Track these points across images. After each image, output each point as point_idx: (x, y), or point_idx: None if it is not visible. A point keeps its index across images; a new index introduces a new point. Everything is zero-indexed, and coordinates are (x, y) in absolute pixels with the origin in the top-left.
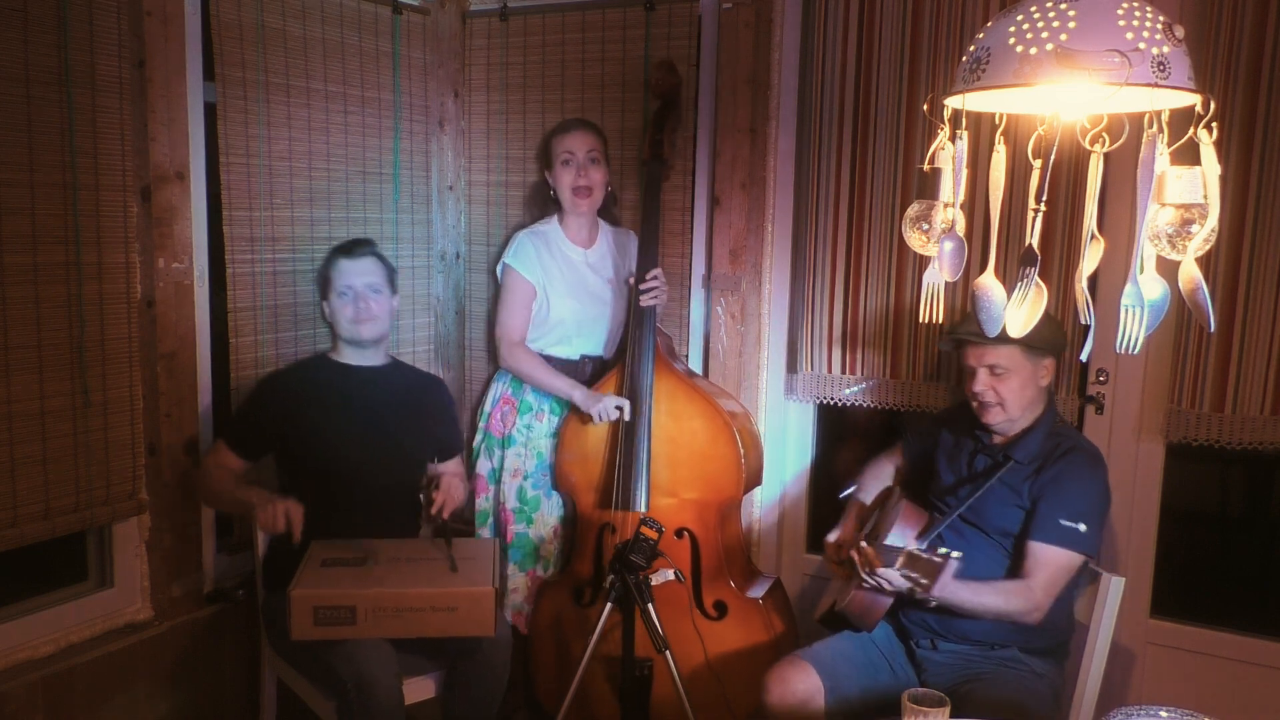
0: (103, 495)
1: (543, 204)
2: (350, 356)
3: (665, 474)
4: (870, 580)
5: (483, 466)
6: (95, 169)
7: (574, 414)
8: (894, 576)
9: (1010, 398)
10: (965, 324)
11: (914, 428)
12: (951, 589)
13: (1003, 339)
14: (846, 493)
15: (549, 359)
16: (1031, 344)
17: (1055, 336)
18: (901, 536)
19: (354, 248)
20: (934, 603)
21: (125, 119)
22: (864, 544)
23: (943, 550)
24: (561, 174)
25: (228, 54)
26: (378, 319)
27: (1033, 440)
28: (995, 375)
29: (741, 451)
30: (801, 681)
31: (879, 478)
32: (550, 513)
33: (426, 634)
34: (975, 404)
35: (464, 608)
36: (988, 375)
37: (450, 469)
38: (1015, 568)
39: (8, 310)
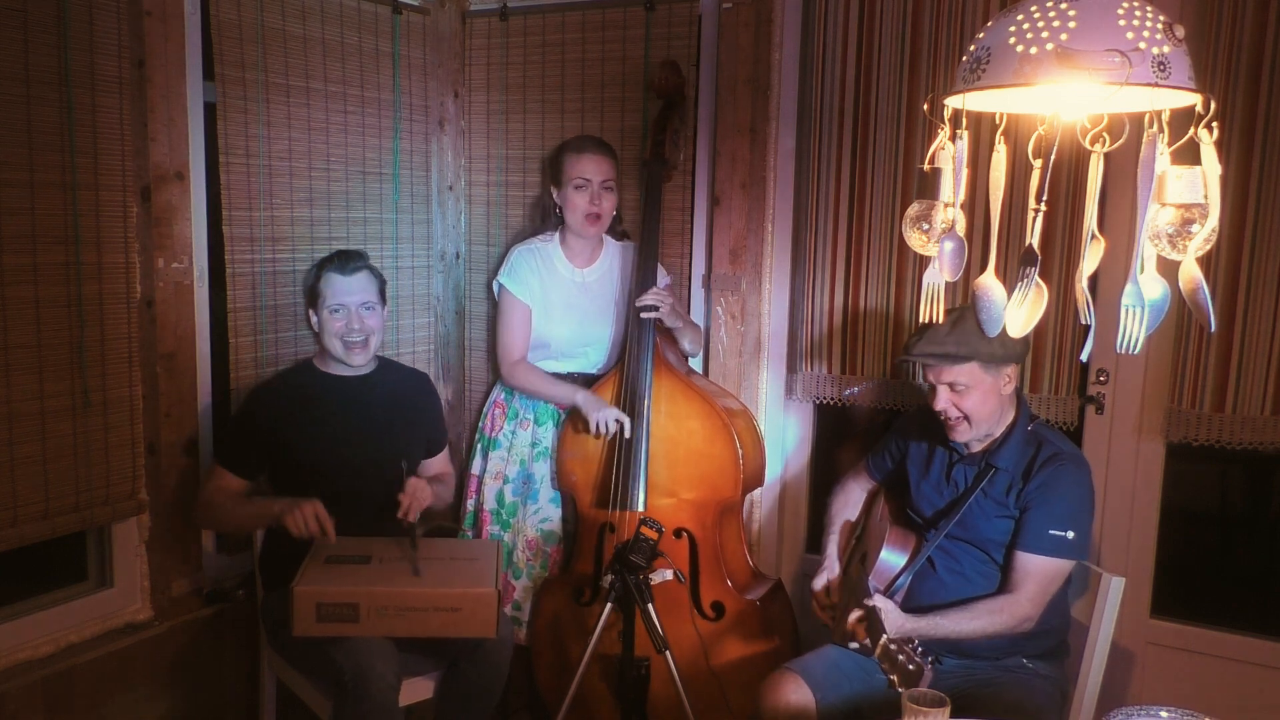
0: (102, 495)
1: (545, 215)
2: (336, 367)
3: (664, 474)
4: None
5: (476, 466)
6: (95, 169)
7: (576, 414)
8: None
9: (974, 412)
10: (919, 344)
11: (878, 447)
12: (935, 624)
13: (956, 357)
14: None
15: None
16: (987, 359)
17: (1013, 345)
18: (889, 560)
19: (347, 262)
20: (920, 648)
21: (125, 119)
22: (853, 614)
23: (921, 650)
24: (574, 198)
25: (228, 54)
26: (371, 334)
27: (1012, 445)
28: (956, 392)
29: (740, 452)
30: (794, 693)
31: (848, 504)
32: (526, 520)
33: (428, 634)
34: (942, 419)
35: (467, 608)
36: (949, 392)
37: (437, 464)
38: (1004, 578)
39: (8, 310)
